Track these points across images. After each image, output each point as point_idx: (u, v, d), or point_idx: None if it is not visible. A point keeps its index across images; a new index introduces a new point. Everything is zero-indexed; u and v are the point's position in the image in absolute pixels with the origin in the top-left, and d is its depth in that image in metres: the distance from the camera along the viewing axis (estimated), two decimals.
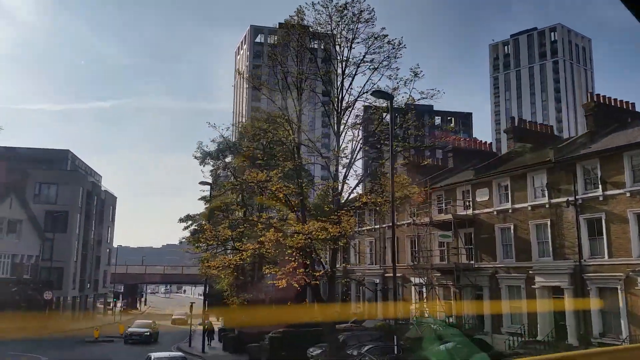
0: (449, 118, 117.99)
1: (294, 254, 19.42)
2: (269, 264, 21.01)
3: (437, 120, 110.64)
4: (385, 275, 34.92)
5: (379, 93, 16.90)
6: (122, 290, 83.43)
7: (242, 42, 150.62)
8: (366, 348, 21.30)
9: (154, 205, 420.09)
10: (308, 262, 21.20)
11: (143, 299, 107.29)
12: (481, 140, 34.86)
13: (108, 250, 72.98)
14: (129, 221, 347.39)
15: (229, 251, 27.30)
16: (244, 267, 27.57)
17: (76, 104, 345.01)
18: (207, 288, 40.23)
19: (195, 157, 35.05)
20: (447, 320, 28.69)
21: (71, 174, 60.98)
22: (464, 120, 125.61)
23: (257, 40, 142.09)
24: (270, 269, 21.52)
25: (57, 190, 56.72)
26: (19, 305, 44.98)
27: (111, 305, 74.95)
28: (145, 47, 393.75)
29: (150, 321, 44.29)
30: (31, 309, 46.31)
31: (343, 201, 21.68)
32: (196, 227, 34.19)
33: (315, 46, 22.78)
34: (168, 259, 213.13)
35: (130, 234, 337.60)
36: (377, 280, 35.78)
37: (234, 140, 37.78)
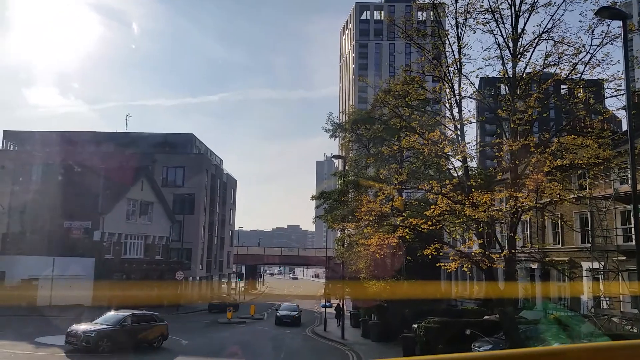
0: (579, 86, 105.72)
1: (470, 230, 15.93)
2: (436, 242, 17.65)
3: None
4: (546, 259, 30.01)
5: (606, 11, 12.53)
6: (243, 271, 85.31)
7: (347, 22, 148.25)
8: None
9: (263, 191, 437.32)
10: (481, 242, 17.49)
11: (261, 280, 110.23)
12: None
13: (230, 232, 74.47)
14: (240, 205, 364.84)
15: (365, 229, 24.41)
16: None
17: (189, 98, 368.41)
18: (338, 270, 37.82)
19: (326, 130, 32.82)
20: None
21: (197, 157, 62.28)
22: (594, 89, 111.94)
23: (363, 17, 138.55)
24: (430, 249, 18.13)
25: (184, 174, 58.08)
26: (154, 283, 46.31)
27: (234, 285, 76.75)
28: (245, 43, 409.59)
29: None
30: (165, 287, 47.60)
31: (523, 166, 17.57)
32: (331, 204, 32.02)
33: None
34: (277, 241, 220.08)
35: (242, 217, 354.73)
36: (535, 265, 30.97)
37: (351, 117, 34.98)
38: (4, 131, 66.00)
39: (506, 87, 18.41)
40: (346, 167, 31.70)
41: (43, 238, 43.58)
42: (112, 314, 23.06)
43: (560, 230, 29.25)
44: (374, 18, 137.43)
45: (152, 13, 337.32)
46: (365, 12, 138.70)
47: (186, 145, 65.42)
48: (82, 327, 21.52)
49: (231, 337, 30.56)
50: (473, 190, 16.04)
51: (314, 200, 35.77)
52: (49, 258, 38.52)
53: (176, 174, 58.53)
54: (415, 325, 25.13)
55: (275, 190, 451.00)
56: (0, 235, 42.51)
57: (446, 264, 17.30)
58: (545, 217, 29.71)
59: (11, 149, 62.21)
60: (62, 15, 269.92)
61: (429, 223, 17.13)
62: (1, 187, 43.98)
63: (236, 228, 78.92)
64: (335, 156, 33.88)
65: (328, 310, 40.75)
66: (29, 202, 47.05)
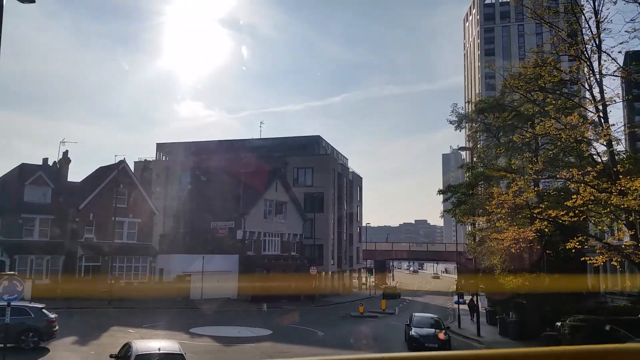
0: None
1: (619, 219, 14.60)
2: (580, 235, 16.44)
3: None
4: None
5: None
6: (372, 266, 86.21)
7: (470, 8, 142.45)
8: None
9: (389, 187, 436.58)
10: (633, 233, 15.91)
11: (391, 275, 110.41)
12: None
13: (358, 228, 75.80)
14: (367, 202, 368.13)
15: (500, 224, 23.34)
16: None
17: (314, 101, 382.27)
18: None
19: (450, 122, 32.07)
20: None
21: (324, 157, 64.55)
22: None
23: (487, 1, 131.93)
24: (574, 242, 16.87)
25: (313, 174, 60.53)
26: (291, 278, 48.92)
27: (365, 280, 78.00)
28: (366, 42, 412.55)
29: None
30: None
31: None
32: (459, 198, 31.25)
33: None
34: (405, 237, 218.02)
35: (369, 214, 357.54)
36: None
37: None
38: (157, 144, 74.33)
39: None
40: (474, 159, 30.65)
41: (193, 238, 48.47)
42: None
43: None
44: (500, 0, 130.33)
45: (277, 24, 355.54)
46: None
47: (313, 147, 68.03)
48: None
49: (364, 330, 31.28)
50: (621, 176, 14.70)
51: (441, 195, 35.15)
52: (199, 256, 42.70)
53: (305, 174, 61.22)
54: (558, 324, 23.57)
55: (401, 186, 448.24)
56: (158, 237, 48.12)
57: (592, 258, 16.05)
58: None
59: (163, 159, 69.88)
60: (201, 34, 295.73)
61: (571, 214, 16.04)
62: (156, 194, 49.73)
63: (364, 224, 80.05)
64: (461, 148, 33.06)
65: (461, 307, 39.69)
66: (180, 206, 52.58)
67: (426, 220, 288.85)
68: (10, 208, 38.81)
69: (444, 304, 56.41)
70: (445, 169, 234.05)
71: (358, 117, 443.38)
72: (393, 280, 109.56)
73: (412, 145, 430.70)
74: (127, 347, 13.71)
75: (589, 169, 15.44)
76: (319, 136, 70.59)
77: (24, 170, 41.68)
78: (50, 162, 44.09)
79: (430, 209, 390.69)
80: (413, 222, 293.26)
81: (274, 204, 52.17)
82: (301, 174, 61.36)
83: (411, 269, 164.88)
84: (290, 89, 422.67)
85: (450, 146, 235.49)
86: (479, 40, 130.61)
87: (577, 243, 16.44)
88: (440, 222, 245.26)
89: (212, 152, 61.33)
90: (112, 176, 42.78)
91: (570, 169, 16.35)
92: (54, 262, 39.74)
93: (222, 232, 48.30)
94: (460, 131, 35.67)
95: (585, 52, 17.40)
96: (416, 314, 27.63)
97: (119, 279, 40.41)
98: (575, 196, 15.90)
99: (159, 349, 13.10)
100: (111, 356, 14.30)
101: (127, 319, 29.10)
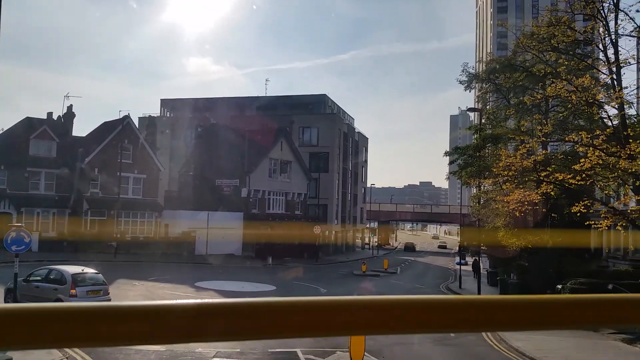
0: None
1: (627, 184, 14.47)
2: (585, 199, 16.32)
3: None
4: None
5: None
6: (376, 226, 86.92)
7: None
8: None
9: (395, 148, 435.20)
10: None
11: (394, 236, 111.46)
12: None
13: (363, 189, 75.96)
14: (372, 163, 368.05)
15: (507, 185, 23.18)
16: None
17: (321, 59, 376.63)
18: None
19: (460, 82, 31.41)
20: None
21: (329, 117, 63.92)
22: None
23: None
24: (579, 206, 16.76)
25: (318, 133, 60.09)
26: (295, 237, 49.41)
27: (368, 240, 78.81)
28: None
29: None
30: None
31: None
32: (465, 160, 30.98)
33: None
34: (409, 198, 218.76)
35: (374, 175, 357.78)
36: None
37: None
38: (161, 99, 73.76)
39: None
40: (483, 120, 30.22)
41: (198, 194, 48.72)
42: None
43: None
44: None
45: None
46: None
47: (320, 106, 67.29)
48: None
49: (366, 287, 31.80)
50: (631, 140, 14.45)
51: (447, 156, 34.92)
52: (204, 212, 43.04)
53: (311, 133, 60.77)
54: (559, 287, 23.76)
55: (407, 146, 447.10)
56: (163, 193, 48.39)
57: (597, 223, 15.99)
58: None
59: (167, 115, 69.46)
60: None
61: (578, 178, 15.87)
62: (161, 150, 49.69)
63: (368, 185, 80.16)
64: (470, 109, 32.57)
65: (463, 268, 40.15)
66: (185, 163, 52.64)
67: (431, 182, 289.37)
68: (16, 161, 38.98)
69: (446, 265, 57.09)
70: (452, 131, 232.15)
71: (365, 75, 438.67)
72: (396, 240, 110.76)
73: (419, 106, 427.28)
74: (47, 270, 16.40)
75: (598, 132, 15.19)
76: (325, 95, 69.70)
77: (29, 124, 41.61)
78: (54, 116, 43.91)
79: (436, 171, 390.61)
80: (418, 183, 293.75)
81: (279, 163, 52.07)
82: (306, 133, 60.91)
83: (434, 233, 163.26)
84: (298, 46, 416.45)
85: (459, 107, 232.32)
86: None
87: (583, 207, 16.35)
88: (445, 184, 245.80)
89: (217, 109, 60.85)
90: (116, 131, 42.67)
91: (580, 132, 16.09)
92: (60, 216, 40.21)
93: (227, 190, 48.49)
94: (469, 92, 35.09)
95: (601, 11, 16.82)
96: None
97: (124, 234, 40.94)
98: (583, 160, 15.70)
99: (82, 270, 16.22)
100: (23, 280, 16.43)
101: (133, 272, 29.61)
